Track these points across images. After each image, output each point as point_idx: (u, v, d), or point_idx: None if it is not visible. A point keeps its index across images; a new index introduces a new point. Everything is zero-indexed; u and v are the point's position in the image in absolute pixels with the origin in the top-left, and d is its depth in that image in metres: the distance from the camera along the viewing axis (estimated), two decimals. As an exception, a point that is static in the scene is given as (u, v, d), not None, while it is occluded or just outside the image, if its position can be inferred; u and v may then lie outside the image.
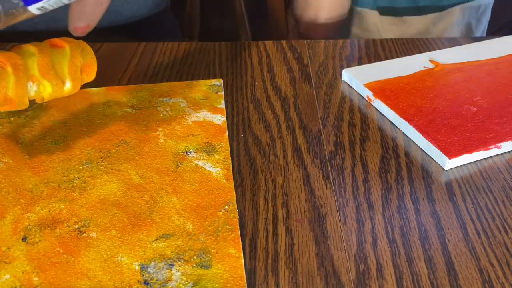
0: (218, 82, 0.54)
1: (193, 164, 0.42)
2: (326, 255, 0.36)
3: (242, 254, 0.34)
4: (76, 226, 0.36)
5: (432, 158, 0.45)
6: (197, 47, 0.64)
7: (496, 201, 0.40)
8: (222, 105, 0.50)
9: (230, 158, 0.43)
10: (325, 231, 0.38)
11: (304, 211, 0.39)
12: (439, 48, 0.63)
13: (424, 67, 0.57)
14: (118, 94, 0.51)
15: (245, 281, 0.33)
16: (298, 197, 0.41)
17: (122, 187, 0.40)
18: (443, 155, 0.43)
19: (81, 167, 0.42)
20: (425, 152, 0.45)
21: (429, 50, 0.62)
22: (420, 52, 0.62)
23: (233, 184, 0.40)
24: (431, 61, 0.58)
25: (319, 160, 0.45)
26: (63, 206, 0.38)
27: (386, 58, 0.61)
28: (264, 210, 0.39)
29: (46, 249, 0.34)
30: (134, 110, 0.49)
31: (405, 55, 0.61)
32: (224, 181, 0.40)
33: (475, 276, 0.34)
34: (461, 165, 0.44)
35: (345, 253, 0.36)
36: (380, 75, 0.55)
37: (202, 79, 0.57)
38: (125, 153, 0.43)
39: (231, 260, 0.34)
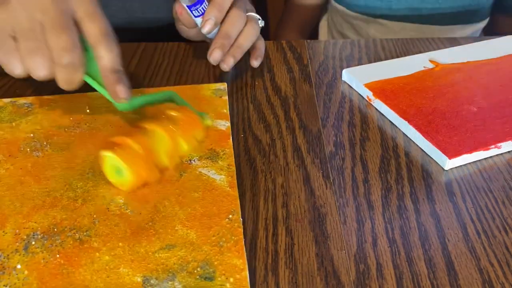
0: (223, 86, 0.53)
1: (197, 172, 0.41)
2: (326, 255, 0.36)
3: (246, 266, 0.34)
4: (78, 236, 0.36)
5: (432, 158, 0.45)
6: (197, 47, 0.64)
7: (496, 201, 0.40)
8: (226, 110, 0.49)
9: (234, 165, 0.42)
10: (325, 231, 0.38)
11: (304, 211, 0.39)
12: (439, 48, 0.63)
13: (424, 67, 0.57)
14: None
15: None
16: (298, 197, 0.41)
17: (126, 197, 0.39)
18: (443, 155, 0.43)
19: (83, 176, 0.41)
20: (425, 152, 0.45)
21: (429, 50, 0.62)
22: (420, 52, 0.62)
23: (237, 192, 0.40)
24: (431, 61, 0.58)
25: (319, 160, 0.45)
26: (65, 216, 0.37)
27: (386, 58, 0.61)
28: (264, 210, 0.39)
29: (47, 260, 0.34)
30: (137, 116, 0.47)
31: (405, 55, 0.61)
32: (228, 188, 0.40)
33: (475, 276, 0.34)
34: (461, 165, 0.44)
35: (345, 253, 0.36)
36: (380, 75, 0.55)
37: (202, 79, 0.57)
38: None
39: (235, 272, 0.33)
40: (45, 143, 0.44)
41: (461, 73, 0.56)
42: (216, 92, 0.52)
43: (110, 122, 0.47)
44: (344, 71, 0.56)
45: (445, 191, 0.41)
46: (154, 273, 0.33)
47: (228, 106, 0.50)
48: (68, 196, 0.39)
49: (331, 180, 0.42)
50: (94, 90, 0.52)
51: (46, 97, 0.51)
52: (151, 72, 0.58)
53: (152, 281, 0.32)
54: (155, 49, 0.63)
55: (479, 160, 0.45)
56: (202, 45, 0.64)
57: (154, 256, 0.34)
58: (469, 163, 0.44)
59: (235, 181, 0.41)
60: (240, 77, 0.57)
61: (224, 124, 0.47)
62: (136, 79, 0.57)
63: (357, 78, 0.54)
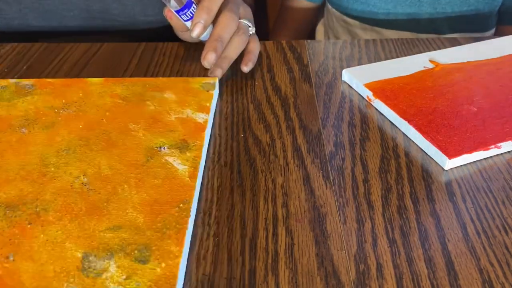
0: (213, 80, 0.53)
1: (163, 160, 0.42)
2: (326, 255, 0.36)
3: (182, 254, 0.34)
4: (37, 209, 0.38)
5: (432, 158, 0.45)
6: (197, 47, 0.64)
7: (496, 201, 0.40)
8: (210, 104, 0.50)
9: (201, 157, 0.43)
10: (325, 231, 0.38)
11: (304, 211, 0.39)
12: (439, 48, 0.63)
13: (424, 67, 0.57)
14: (113, 85, 0.52)
15: (178, 280, 0.32)
16: (298, 197, 0.41)
17: (90, 176, 0.41)
18: (443, 155, 0.43)
19: (58, 153, 0.43)
20: (425, 152, 0.45)
21: (429, 50, 0.62)
22: (420, 52, 0.62)
23: (195, 183, 0.40)
24: (431, 61, 0.58)
25: (319, 160, 0.45)
26: (31, 189, 0.39)
27: (386, 58, 0.61)
28: (264, 210, 0.39)
29: (3, 229, 0.36)
30: (124, 102, 0.50)
31: (405, 55, 0.61)
32: (187, 178, 0.40)
33: (475, 276, 0.34)
34: (461, 165, 0.44)
35: (345, 253, 0.36)
36: (380, 75, 0.55)
37: (202, 79, 0.57)
38: (103, 143, 0.44)
39: (169, 258, 0.34)
40: (34, 121, 0.47)
41: (461, 73, 0.56)
42: (204, 86, 0.52)
43: (97, 105, 0.49)
44: (344, 71, 0.56)
45: (445, 191, 0.41)
46: (95, 251, 0.34)
47: (214, 100, 0.51)
48: (40, 170, 0.41)
49: (331, 180, 0.42)
50: (93, 76, 0.54)
51: (47, 80, 0.54)
52: (151, 72, 0.58)
53: (90, 258, 0.34)
54: (155, 49, 0.63)
55: (479, 160, 0.45)
56: (202, 45, 0.64)
57: (99, 234, 0.36)
58: (469, 163, 0.44)
59: (197, 172, 0.41)
60: (240, 77, 0.57)
61: (203, 117, 0.48)
62: (136, 79, 0.57)
63: (357, 78, 0.54)
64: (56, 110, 0.49)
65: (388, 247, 0.36)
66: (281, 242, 0.37)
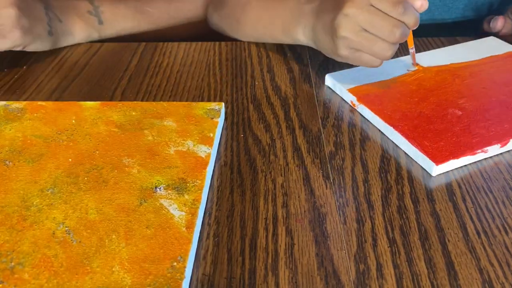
0: (218, 106, 0.49)
1: (158, 204, 0.38)
2: (326, 255, 0.36)
3: None
4: (12, 263, 0.34)
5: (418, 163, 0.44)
6: (197, 47, 0.64)
7: (496, 201, 0.40)
8: (213, 134, 0.45)
9: (200, 201, 0.38)
10: (325, 231, 0.38)
11: (304, 211, 0.39)
12: (423, 50, 0.62)
13: (407, 70, 0.56)
14: (110, 111, 0.49)
15: None
16: (298, 197, 0.41)
17: (76, 222, 0.37)
18: (430, 161, 0.43)
19: (43, 193, 0.39)
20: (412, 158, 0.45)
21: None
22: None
23: (193, 234, 0.36)
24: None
25: (319, 160, 0.45)
26: (8, 238, 0.36)
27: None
28: (264, 210, 0.39)
29: None
30: (119, 131, 0.46)
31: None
32: (183, 229, 0.36)
33: (475, 276, 0.34)
34: (456, 168, 0.44)
35: (345, 253, 0.36)
36: (363, 80, 0.54)
37: (202, 78, 0.57)
38: (93, 182, 0.40)
39: None
40: (20, 152, 0.43)
41: (444, 75, 0.55)
42: (209, 113, 0.48)
43: (90, 134, 0.45)
44: (327, 76, 0.55)
45: (445, 191, 0.41)
46: None
47: (218, 129, 0.47)
48: (20, 214, 0.37)
49: (331, 180, 0.42)
50: (87, 99, 0.50)
51: (39, 103, 0.50)
52: (151, 71, 0.58)
53: None
54: (155, 49, 0.63)
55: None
56: (202, 45, 0.64)
57: None
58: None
59: (195, 220, 0.37)
60: (240, 77, 0.57)
61: (205, 151, 0.43)
62: (136, 78, 0.57)
63: (340, 83, 0.53)
64: (45, 139, 0.45)
65: (388, 247, 0.36)
66: (281, 242, 0.37)
